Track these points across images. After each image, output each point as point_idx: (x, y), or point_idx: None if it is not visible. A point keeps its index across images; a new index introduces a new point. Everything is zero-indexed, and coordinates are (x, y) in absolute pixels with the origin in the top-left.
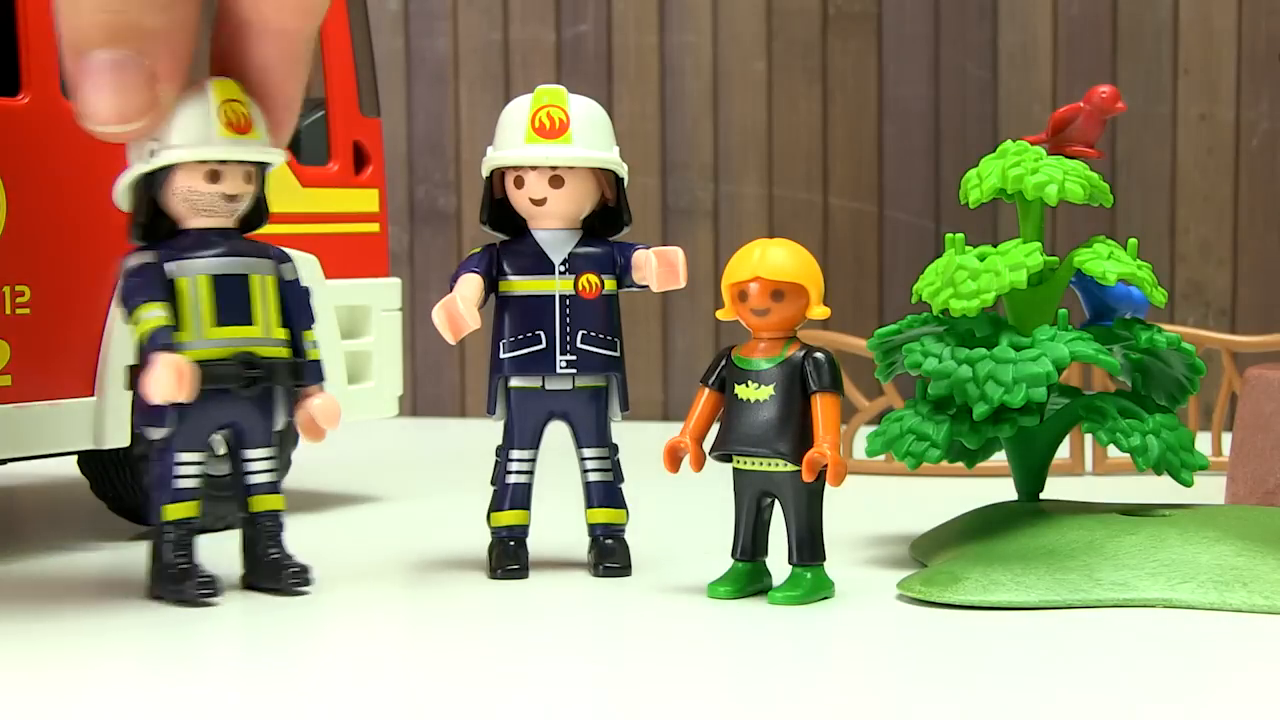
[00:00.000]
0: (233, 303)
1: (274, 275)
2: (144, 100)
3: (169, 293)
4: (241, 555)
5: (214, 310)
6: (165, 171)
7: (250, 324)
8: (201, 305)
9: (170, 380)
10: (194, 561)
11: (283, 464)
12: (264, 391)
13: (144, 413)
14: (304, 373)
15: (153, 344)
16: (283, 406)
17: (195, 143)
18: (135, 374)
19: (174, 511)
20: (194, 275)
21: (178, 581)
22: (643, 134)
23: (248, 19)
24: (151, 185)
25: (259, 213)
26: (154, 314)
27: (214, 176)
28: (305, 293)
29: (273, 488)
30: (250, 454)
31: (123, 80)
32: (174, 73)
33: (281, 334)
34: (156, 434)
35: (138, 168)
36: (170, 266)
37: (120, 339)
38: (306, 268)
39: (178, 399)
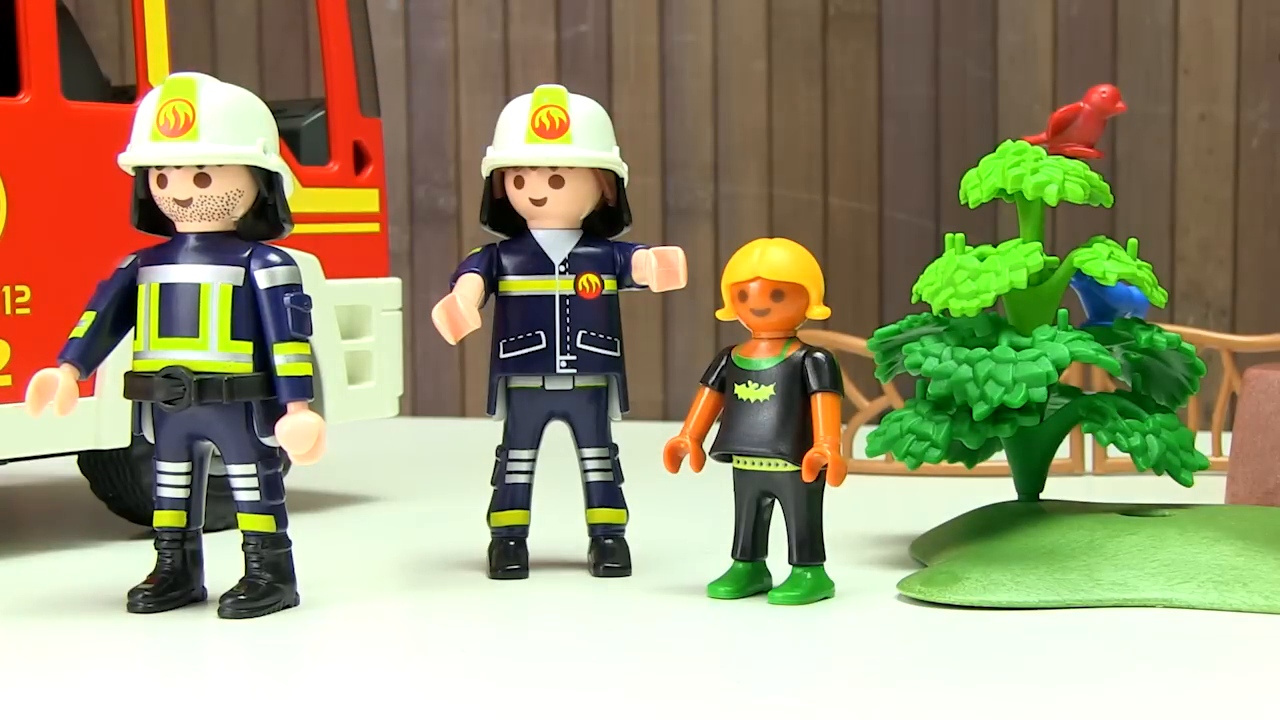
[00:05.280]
0: (176, 314)
1: (232, 284)
2: None
3: (124, 300)
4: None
5: (158, 321)
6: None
7: (194, 336)
8: (150, 315)
9: (28, 393)
10: (168, 570)
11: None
12: (238, 406)
13: (133, 417)
14: (270, 389)
15: (61, 352)
16: (262, 422)
17: (133, 146)
18: (129, 381)
19: (156, 519)
20: (149, 283)
21: (138, 589)
22: (643, 134)
23: None
24: (139, 188)
25: (269, 221)
26: (80, 323)
27: (162, 181)
28: (280, 303)
29: (253, 506)
30: (230, 469)
31: None
32: None
33: (237, 347)
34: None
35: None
36: (143, 271)
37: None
38: (307, 268)
39: (30, 414)
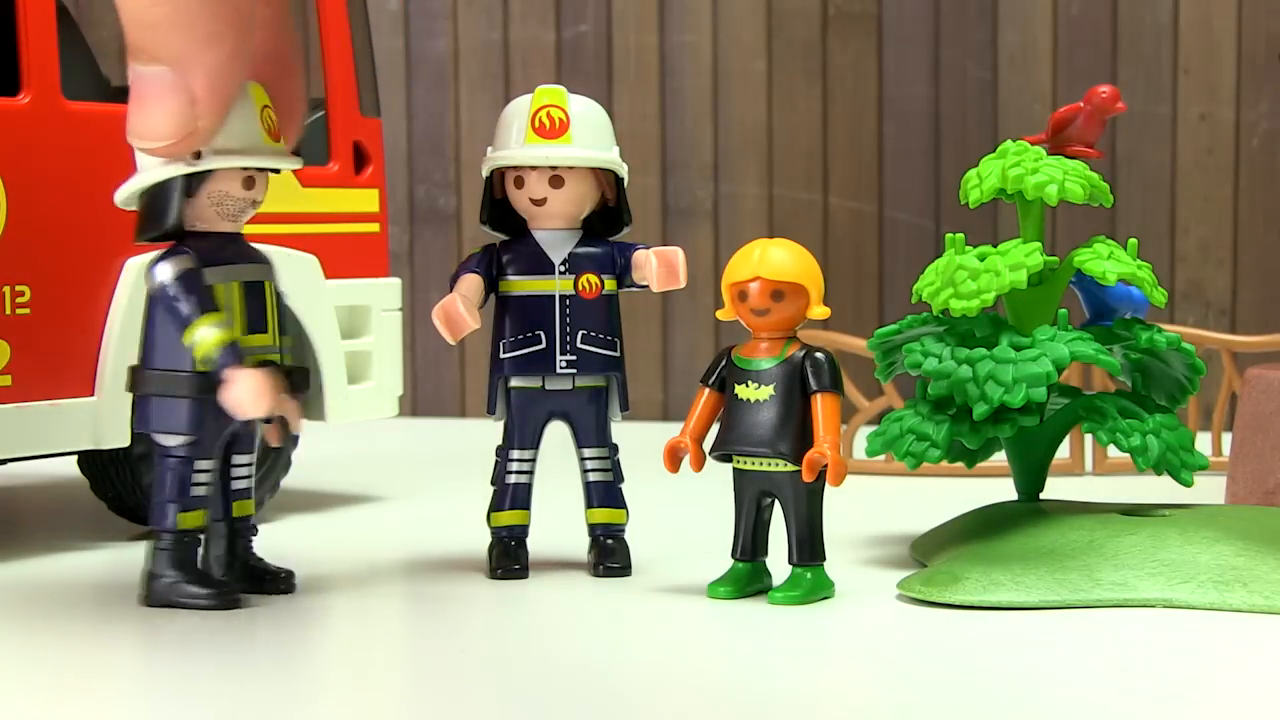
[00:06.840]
0: (257, 311)
1: (273, 281)
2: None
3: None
4: (212, 558)
5: (245, 318)
6: (202, 175)
7: (264, 332)
8: (235, 313)
9: (255, 394)
10: (206, 569)
11: (283, 465)
12: None
13: (161, 418)
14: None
15: (230, 357)
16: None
17: (243, 149)
18: (136, 375)
19: (188, 520)
20: (229, 282)
21: (204, 584)
22: (643, 134)
23: None
24: (189, 187)
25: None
26: (219, 326)
27: (249, 183)
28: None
29: (250, 493)
30: (239, 459)
31: (161, 98)
32: (211, 99)
33: (282, 340)
34: (172, 441)
35: (176, 169)
36: (206, 272)
37: (120, 339)
38: (307, 268)
39: (260, 414)
